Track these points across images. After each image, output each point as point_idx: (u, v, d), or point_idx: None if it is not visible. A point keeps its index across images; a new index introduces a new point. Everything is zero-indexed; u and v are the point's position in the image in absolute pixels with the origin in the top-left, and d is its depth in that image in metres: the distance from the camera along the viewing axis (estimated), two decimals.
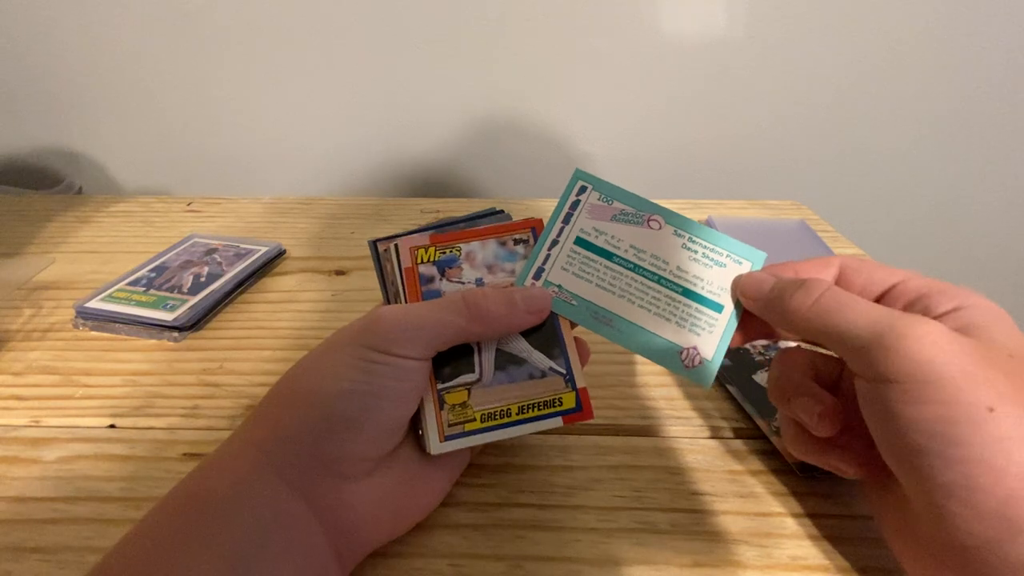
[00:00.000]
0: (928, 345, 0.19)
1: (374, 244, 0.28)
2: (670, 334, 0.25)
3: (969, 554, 0.18)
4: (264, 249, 0.48)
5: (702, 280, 0.26)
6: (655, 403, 0.34)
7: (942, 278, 0.22)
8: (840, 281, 0.24)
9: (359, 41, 0.61)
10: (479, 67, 0.62)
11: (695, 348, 0.25)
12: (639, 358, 0.37)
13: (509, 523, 0.26)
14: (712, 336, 0.25)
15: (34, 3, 0.59)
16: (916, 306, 0.22)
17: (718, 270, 0.26)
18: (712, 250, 0.26)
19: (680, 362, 0.25)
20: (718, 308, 0.25)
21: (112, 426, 0.32)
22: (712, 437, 0.31)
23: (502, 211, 0.29)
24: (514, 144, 0.67)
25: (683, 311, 0.25)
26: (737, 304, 0.25)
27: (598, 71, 0.63)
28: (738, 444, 0.31)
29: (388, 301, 0.27)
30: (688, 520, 0.26)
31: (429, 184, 0.70)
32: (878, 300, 0.23)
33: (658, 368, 0.36)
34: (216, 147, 0.68)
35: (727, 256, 0.26)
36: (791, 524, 0.26)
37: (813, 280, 0.23)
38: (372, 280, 0.28)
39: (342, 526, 0.22)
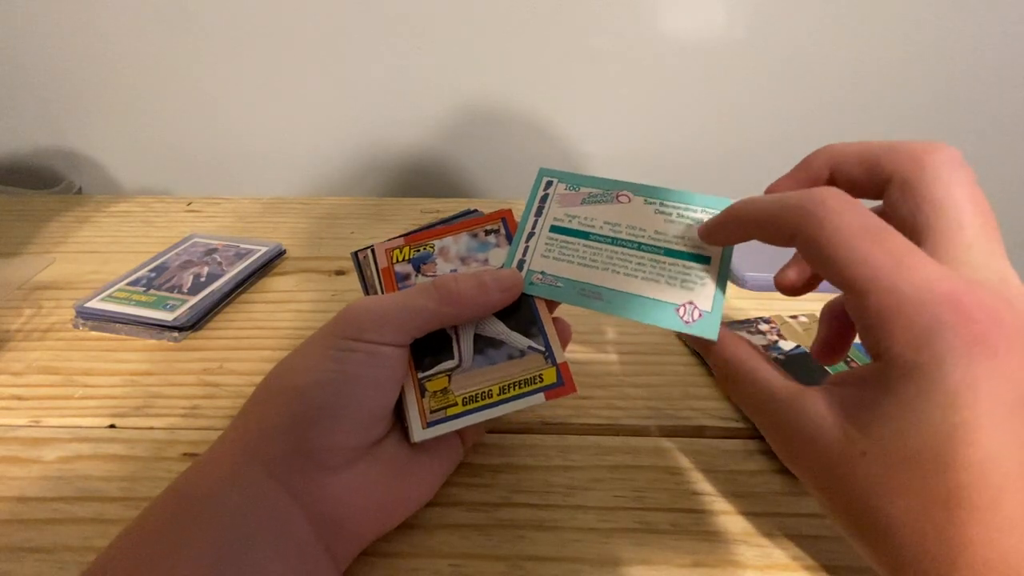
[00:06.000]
0: None
1: (355, 255, 0.29)
2: (662, 294, 0.24)
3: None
4: (264, 249, 0.48)
5: (682, 238, 0.25)
6: (655, 403, 0.34)
7: None
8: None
9: (361, 42, 0.61)
10: (480, 69, 0.62)
11: (691, 303, 0.24)
12: (639, 358, 0.37)
13: (509, 523, 0.26)
14: (706, 288, 0.24)
15: (33, 3, 0.59)
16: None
17: (696, 226, 0.26)
18: (686, 208, 0.26)
19: (679, 319, 0.24)
20: (705, 260, 0.25)
21: (112, 426, 0.32)
22: (712, 437, 0.31)
23: (476, 210, 0.30)
24: (516, 145, 0.67)
25: (670, 270, 0.25)
26: (724, 252, 0.25)
27: (598, 71, 0.63)
28: (738, 444, 0.31)
29: None
30: (688, 520, 0.26)
31: (430, 184, 0.70)
32: None
33: (658, 368, 0.36)
34: (216, 147, 0.68)
35: (702, 211, 0.26)
36: (791, 524, 0.26)
37: None
38: None
39: (329, 518, 0.22)
